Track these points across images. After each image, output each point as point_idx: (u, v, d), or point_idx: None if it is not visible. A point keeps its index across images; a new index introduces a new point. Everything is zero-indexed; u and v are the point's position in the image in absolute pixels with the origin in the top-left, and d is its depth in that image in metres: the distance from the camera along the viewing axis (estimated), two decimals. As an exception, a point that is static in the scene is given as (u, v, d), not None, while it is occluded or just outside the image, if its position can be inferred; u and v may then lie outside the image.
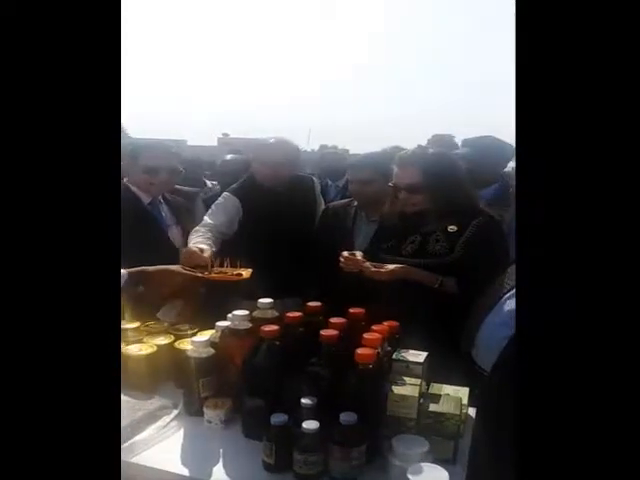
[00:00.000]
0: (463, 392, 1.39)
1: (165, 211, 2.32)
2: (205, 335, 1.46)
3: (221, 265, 2.00)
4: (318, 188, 2.83)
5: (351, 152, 5.36)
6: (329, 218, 2.56)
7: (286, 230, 2.37)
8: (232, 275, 1.93)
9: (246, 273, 1.96)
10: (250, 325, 1.37)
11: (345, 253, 1.96)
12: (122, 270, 1.59)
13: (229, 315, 1.44)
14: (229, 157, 4.07)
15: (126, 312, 1.65)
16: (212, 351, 1.37)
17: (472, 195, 2.01)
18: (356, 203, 2.49)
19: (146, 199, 2.24)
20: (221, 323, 1.45)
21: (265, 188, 2.52)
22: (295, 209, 2.50)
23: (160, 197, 2.31)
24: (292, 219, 2.43)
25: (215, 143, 15.08)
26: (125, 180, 2.24)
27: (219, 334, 1.43)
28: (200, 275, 1.85)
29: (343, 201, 2.70)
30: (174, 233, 2.30)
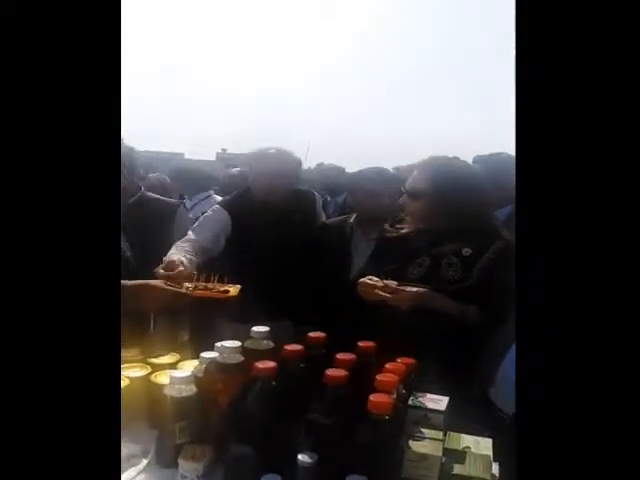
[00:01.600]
0: (486, 445, 1.17)
1: None
2: (187, 368, 1.24)
3: (207, 281, 1.77)
4: (319, 204, 2.64)
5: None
6: (324, 235, 2.37)
7: (279, 248, 2.16)
8: (218, 292, 1.71)
9: (234, 290, 1.74)
10: (241, 359, 1.15)
11: (365, 279, 1.68)
12: None
13: (217, 345, 1.22)
14: (235, 171, 3.94)
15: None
16: (194, 389, 1.14)
17: (489, 215, 1.78)
18: (352, 219, 2.31)
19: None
20: (206, 354, 1.22)
21: (260, 202, 2.31)
22: (292, 226, 2.28)
23: None
24: (288, 236, 2.21)
25: (213, 158, 14.93)
26: None
27: (203, 368, 1.21)
28: (182, 291, 1.65)
29: (339, 217, 2.54)
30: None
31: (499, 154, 2.65)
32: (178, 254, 1.91)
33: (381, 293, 1.58)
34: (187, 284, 1.72)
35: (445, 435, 1.18)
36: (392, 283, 1.58)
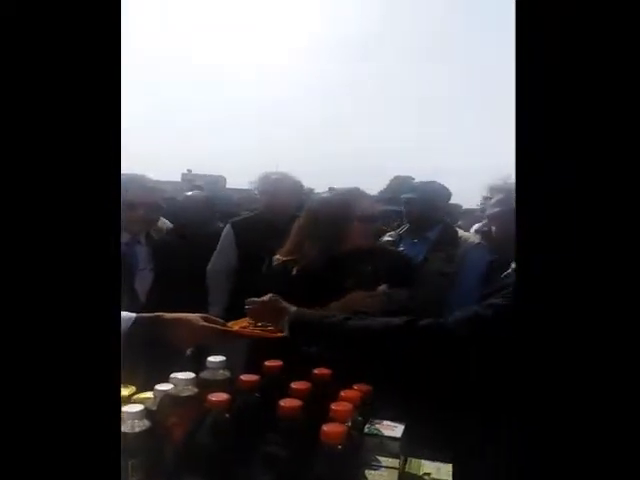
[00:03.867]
0: (447, 470, 1.18)
1: (142, 252, 2.09)
2: (140, 402, 1.21)
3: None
4: None
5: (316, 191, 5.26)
6: None
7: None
8: (269, 331, 1.52)
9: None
10: (195, 391, 1.13)
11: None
12: (128, 313, 1.35)
13: (171, 376, 1.20)
14: (190, 193, 3.92)
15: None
16: (147, 424, 1.11)
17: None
18: None
19: (123, 237, 2.00)
20: (160, 386, 1.20)
21: (267, 222, 2.51)
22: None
23: (142, 236, 2.07)
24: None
25: (179, 179, 14.84)
26: None
27: (158, 401, 1.18)
28: (232, 330, 1.51)
29: None
30: (144, 278, 2.05)
31: (430, 182, 3.05)
32: None
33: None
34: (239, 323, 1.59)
35: (405, 461, 1.19)
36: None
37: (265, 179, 2.74)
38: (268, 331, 1.51)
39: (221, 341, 1.51)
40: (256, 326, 1.54)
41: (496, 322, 1.26)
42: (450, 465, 1.19)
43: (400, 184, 3.89)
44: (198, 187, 4.68)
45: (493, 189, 1.62)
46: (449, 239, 2.89)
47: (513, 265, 1.53)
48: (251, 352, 1.78)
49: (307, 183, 3.82)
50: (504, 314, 1.25)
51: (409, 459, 1.21)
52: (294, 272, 1.81)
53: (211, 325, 1.47)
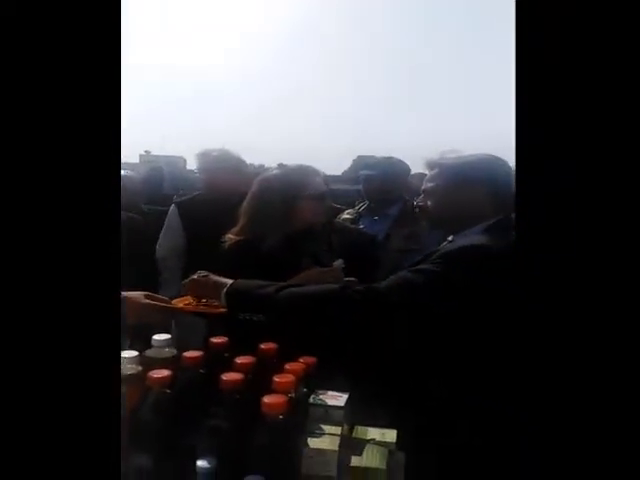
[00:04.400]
0: (391, 435, 1.22)
1: None
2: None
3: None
4: None
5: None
6: None
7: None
8: (213, 307, 1.52)
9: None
10: (139, 369, 1.14)
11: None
12: None
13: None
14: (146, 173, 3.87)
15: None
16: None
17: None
18: None
19: None
20: None
21: (210, 201, 2.46)
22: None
23: None
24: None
25: (137, 160, 14.58)
26: None
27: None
28: (174, 307, 1.51)
29: None
30: None
31: (387, 158, 2.97)
32: None
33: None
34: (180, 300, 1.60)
35: (352, 430, 1.23)
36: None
37: (203, 157, 2.64)
38: (212, 307, 1.52)
39: (164, 318, 1.51)
40: (199, 302, 1.55)
41: (426, 288, 1.29)
42: (394, 430, 1.23)
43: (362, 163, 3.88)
44: (157, 168, 4.61)
45: (430, 164, 1.62)
46: (410, 215, 2.81)
47: (450, 238, 1.56)
48: (205, 330, 1.80)
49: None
50: (434, 280, 1.29)
51: (356, 427, 1.24)
52: (247, 251, 1.81)
53: (153, 302, 1.47)
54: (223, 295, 1.43)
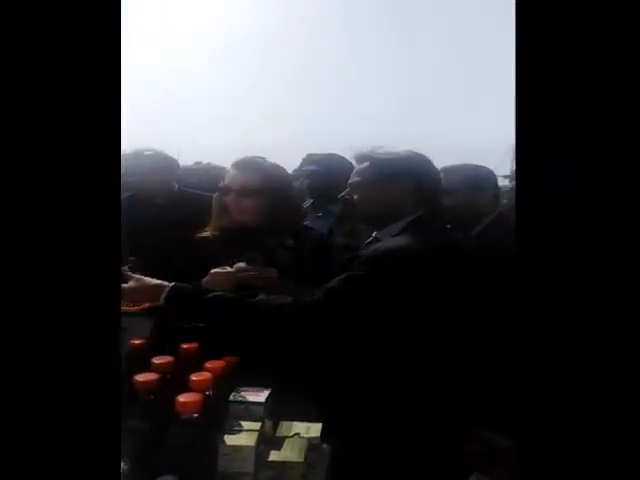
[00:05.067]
0: (316, 429, 1.24)
1: None
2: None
3: None
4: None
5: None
6: None
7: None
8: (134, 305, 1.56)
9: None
10: None
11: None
12: None
13: None
14: None
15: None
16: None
17: (299, 209, 2.00)
18: None
19: None
20: None
21: (145, 202, 2.38)
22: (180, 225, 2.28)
23: None
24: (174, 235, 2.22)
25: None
26: None
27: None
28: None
29: None
30: None
31: (331, 155, 2.89)
32: None
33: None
34: None
35: (276, 425, 1.24)
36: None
37: (136, 157, 2.51)
38: (134, 304, 1.53)
39: None
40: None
41: (354, 296, 1.31)
42: (320, 424, 1.25)
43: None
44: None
45: (359, 157, 1.62)
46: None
47: (374, 234, 1.58)
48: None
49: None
50: (361, 287, 1.31)
51: (281, 422, 1.25)
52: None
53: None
54: (163, 298, 1.40)
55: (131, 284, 1.43)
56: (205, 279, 1.58)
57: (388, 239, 1.47)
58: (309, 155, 4.12)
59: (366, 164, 1.58)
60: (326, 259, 1.81)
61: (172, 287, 1.41)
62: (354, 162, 1.67)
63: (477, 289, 1.40)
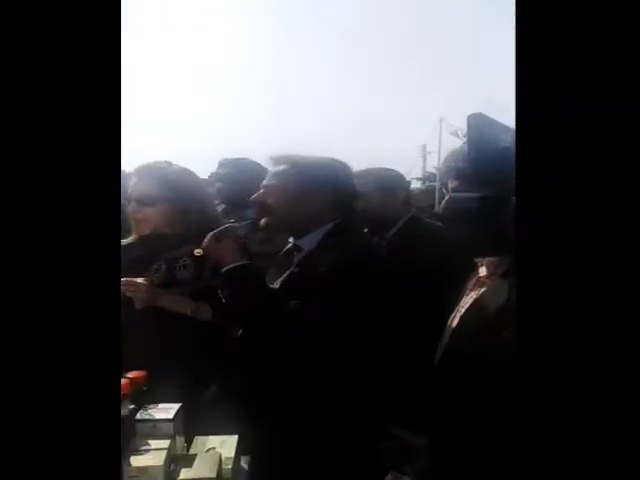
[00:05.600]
0: (232, 442, 1.21)
1: None
2: None
3: None
4: None
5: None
6: None
7: None
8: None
9: None
10: None
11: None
12: None
13: None
14: None
15: None
16: None
17: (215, 216, 1.89)
18: None
19: None
20: None
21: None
22: None
23: None
24: None
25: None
26: None
27: None
28: None
29: None
30: None
31: (242, 159, 2.87)
32: None
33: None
34: None
35: (190, 440, 1.20)
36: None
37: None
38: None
39: None
40: None
41: (327, 311, 1.32)
42: (236, 436, 1.22)
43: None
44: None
45: (276, 159, 1.56)
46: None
47: (292, 240, 1.55)
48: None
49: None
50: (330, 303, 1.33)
51: (195, 438, 1.21)
52: None
53: None
54: (235, 265, 1.41)
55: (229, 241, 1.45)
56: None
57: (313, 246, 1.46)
58: (222, 160, 4.02)
59: (284, 167, 1.52)
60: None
61: (248, 263, 1.44)
62: (269, 165, 1.61)
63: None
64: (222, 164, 3.05)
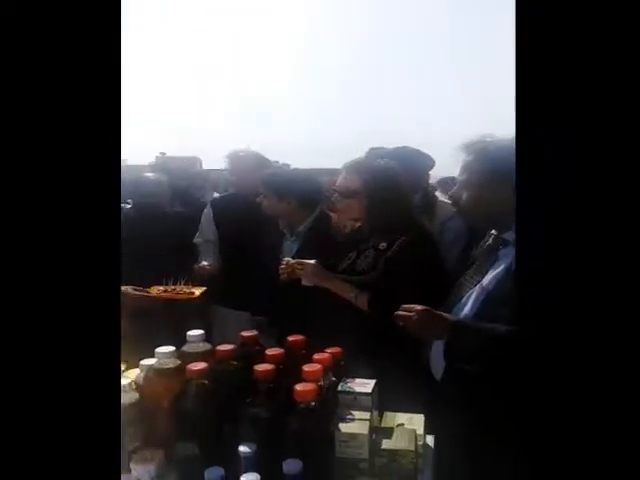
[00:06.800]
0: (418, 420, 1.28)
1: None
2: (129, 375, 1.28)
3: (175, 284, 1.94)
4: None
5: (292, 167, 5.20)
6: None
7: (251, 242, 2.37)
8: (185, 294, 1.85)
9: (198, 292, 1.90)
10: (178, 362, 1.21)
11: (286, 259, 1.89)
12: None
13: (156, 351, 1.27)
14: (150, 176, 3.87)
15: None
16: (136, 396, 1.19)
17: (410, 209, 1.89)
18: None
19: None
20: (146, 361, 1.27)
21: (240, 199, 2.61)
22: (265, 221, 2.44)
23: None
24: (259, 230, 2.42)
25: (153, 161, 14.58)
26: None
27: (143, 374, 1.26)
28: (146, 295, 1.78)
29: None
30: None
31: (403, 147, 2.74)
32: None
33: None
34: (159, 287, 1.90)
35: (381, 415, 1.28)
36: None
37: (231, 157, 2.76)
38: (182, 294, 1.84)
39: (144, 304, 1.81)
40: (172, 290, 1.86)
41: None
42: (421, 415, 1.29)
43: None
44: (167, 170, 4.54)
45: (468, 147, 1.45)
46: (429, 209, 2.56)
47: (493, 232, 1.47)
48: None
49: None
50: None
51: (385, 413, 1.29)
52: None
53: (136, 293, 1.76)
54: (447, 332, 1.35)
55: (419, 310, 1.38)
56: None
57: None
58: (372, 149, 3.97)
59: (472, 157, 1.44)
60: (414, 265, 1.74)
61: (456, 322, 1.38)
62: (460, 152, 1.49)
63: None
64: (377, 155, 3.05)
